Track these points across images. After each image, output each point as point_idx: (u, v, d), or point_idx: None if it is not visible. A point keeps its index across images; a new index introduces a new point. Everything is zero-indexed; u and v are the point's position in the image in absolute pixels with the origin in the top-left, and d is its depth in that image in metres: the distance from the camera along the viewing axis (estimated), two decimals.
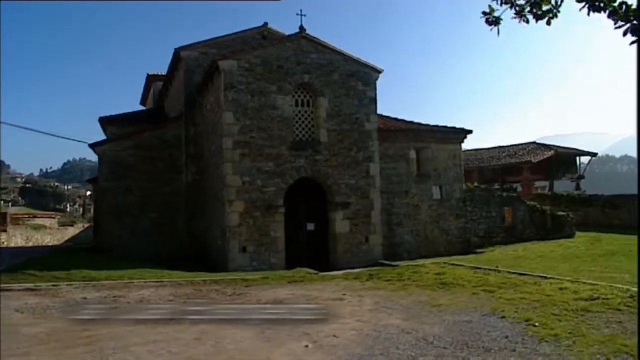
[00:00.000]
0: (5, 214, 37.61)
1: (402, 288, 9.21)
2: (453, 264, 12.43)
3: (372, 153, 16.50)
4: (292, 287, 9.86)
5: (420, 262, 13.72)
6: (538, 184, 36.25)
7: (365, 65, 16.59)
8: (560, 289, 8.13)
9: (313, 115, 16.01)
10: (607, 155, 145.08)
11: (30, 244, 31.54)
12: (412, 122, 18.03)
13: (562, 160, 32.47)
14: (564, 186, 36.40)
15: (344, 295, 8.64)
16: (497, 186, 33.43)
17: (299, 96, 15.90)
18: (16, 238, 31.76)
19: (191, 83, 18.40)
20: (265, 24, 19.78)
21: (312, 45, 15.89)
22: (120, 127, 21.18)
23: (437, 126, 17.99)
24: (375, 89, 16.72)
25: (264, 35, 19.07)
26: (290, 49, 15.63)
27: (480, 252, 16.94)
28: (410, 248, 17.04)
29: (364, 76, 16.56)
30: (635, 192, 22.93)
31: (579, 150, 33.60)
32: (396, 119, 18.15)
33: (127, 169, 17.92)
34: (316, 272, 12.16)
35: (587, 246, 16.73)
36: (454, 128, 18.02)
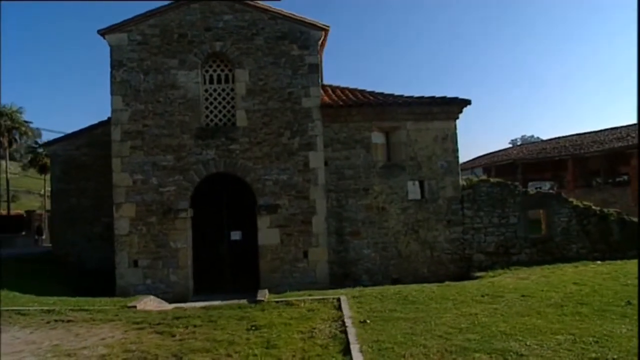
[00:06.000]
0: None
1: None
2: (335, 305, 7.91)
3: (312, 138, 12.33)
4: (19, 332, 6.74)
5: (327, 294, 9.28)
6: None
7: (301, 22, 12.48)
8: None
9: (232, 94, 12.50)
10: None
11: None
12: (378, 93, 13.15)
13: None
14: None
15: None
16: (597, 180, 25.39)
17: (213, 70, 12.54)
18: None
19: None
20: None
21: (225, 3, 12.40)
22: None
23: (417, 97, 12.82)
24: (317, 52, 12.51)
25: None
26: (197, 11, 12.37)
27: (478, 277, 11.45)
28: (373, 267, 12.33)
29: (299, 37, 12.46)
30: None
31: None
32: (355, 90, 13.45)
33: (80, 170, 16.49)
34: (134, 306, 8.69)
35: None
36: (442, 98, 12.60)
